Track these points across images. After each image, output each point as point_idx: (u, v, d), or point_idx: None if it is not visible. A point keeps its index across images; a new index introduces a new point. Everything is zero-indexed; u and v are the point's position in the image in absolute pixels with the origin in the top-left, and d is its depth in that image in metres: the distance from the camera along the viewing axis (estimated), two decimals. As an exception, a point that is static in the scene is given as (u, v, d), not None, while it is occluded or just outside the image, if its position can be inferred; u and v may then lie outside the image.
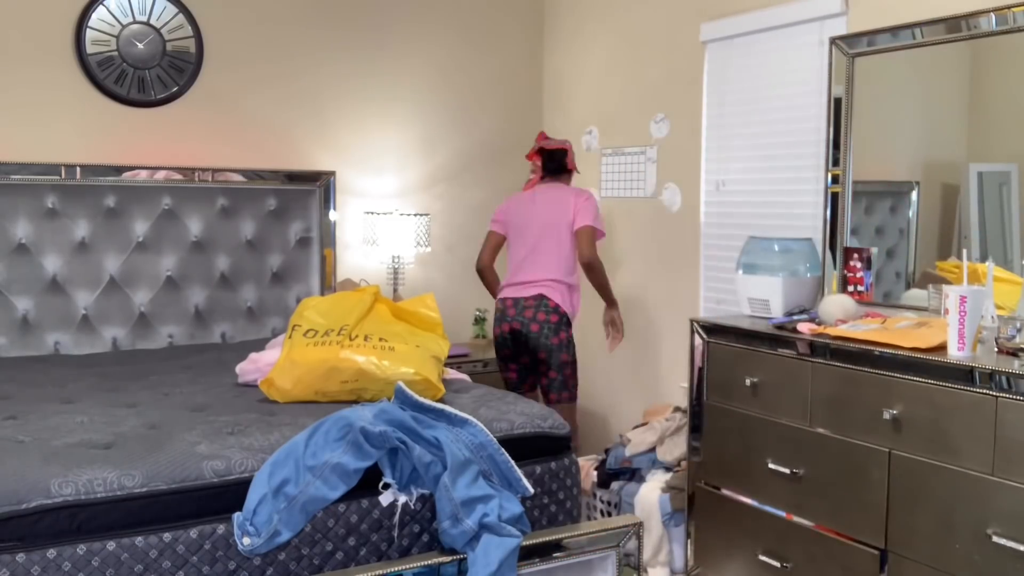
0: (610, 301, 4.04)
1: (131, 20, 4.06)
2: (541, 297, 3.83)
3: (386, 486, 2.44)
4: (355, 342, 3.00)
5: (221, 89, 4.29)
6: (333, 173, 4.49)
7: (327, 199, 4.48)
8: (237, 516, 2.27)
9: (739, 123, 3.84)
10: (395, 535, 2.47)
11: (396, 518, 2.45)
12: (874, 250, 3.23)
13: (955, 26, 2.90)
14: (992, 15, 2.78)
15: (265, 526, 2.25)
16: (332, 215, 4.50)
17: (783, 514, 2.93)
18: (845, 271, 3.28)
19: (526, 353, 3.88)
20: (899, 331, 2.70)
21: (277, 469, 2.33)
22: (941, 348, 2.53)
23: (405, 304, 3.34)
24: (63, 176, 3.91)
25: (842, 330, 2.80)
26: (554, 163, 4.01)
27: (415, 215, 4.46)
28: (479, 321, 4.92)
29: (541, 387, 3.94)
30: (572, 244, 3.87)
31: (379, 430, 2.39)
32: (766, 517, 2.98)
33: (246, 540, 2.25)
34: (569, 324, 3.90)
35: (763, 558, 2.96)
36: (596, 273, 3.90)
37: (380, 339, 3.03)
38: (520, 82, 5.07)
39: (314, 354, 2.97)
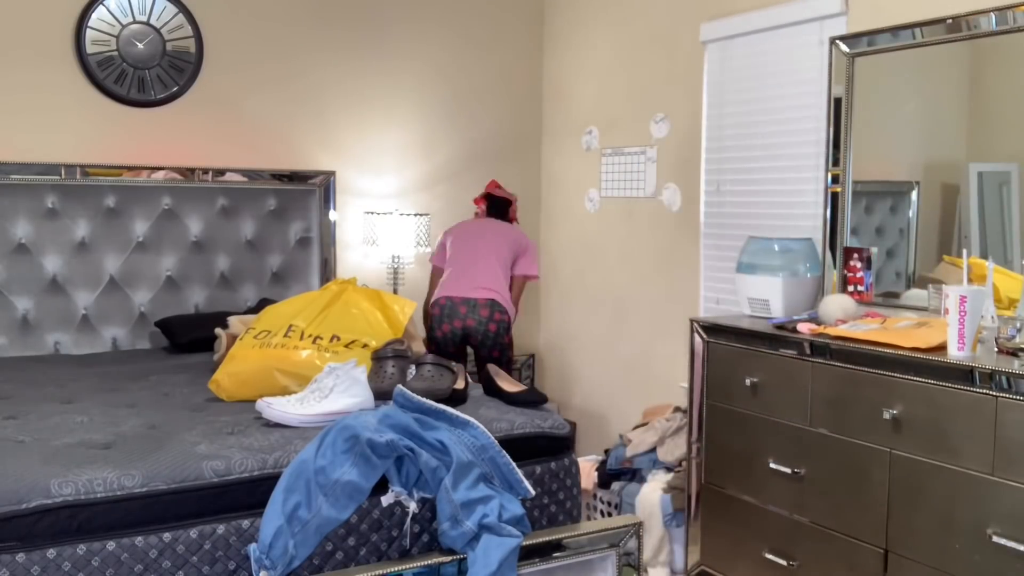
0: None
1: (131, 20, 4.06)
2: (495, 302, 4.06)
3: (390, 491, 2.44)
4: (304, 342, 3.03)
5: (221, 89, 4.29)
6: (333, 173, 4.50)
7: (327, 199, 4.48)
8: (253, 550, 2.25)
9: (739, 123, 3.84)
10: (406, 543, 2.46)
11: (407, 527, 2.45)
12: (874, 250, 3.23)
13: (955, 26, 2.89)
14: (992, 15, 2.78)
15: (281, 558, 2.25)
16: (332, 215, 4.50)
17: (786, 513, 2.93)
18: (845, 271, 3.28)
19: (469, 348, 4.17)
20: (899, 331, 2.70)
21: (290, 495, 2.31)
22: (941, 348, 2.53)
23: (386, 296, 3.36)
24: (63, 176, 3.91)
25: (842, 330, 2.80)
26: (497, 210, 4.40)
27: (415, 215, 4.46)
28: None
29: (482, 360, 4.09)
30: (507, 272, 4.23)
31: (386, 440, 2.37)
32: (772, 516, 2.98)
33: (263, 574, 2.24)
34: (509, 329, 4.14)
35: (769, 556, 2.96)
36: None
37: (333, 338, 3.08)
38: (520, 82, 5.07)
39: (257, 355, 3.00)
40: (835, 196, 3.34)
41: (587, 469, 3.86)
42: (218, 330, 3.54)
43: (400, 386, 2.71)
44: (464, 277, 4.09)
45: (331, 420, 2.59)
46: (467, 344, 4.11)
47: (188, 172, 4.15)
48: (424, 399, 2.65)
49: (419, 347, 3.43)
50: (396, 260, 4.55)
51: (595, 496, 3.86)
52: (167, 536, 2.24)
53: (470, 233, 4.28)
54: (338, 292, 3.32)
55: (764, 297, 3.20)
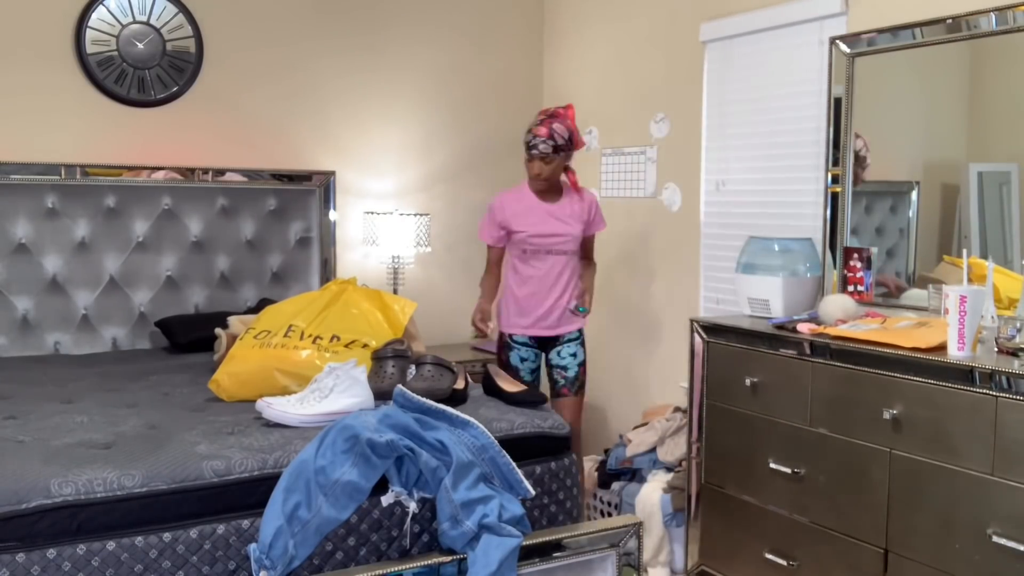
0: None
1: (131, 20, 4.06)
2: None
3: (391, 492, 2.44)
4: (304, 342, 3.03)
5: (221, 89, 4.29)
6: (333, 173, 4.49)
7: (327, 199, 4.48)
8: (253, 550, 2.25)
9: (739, 123, 3.84)
10: (406, 543, 2.46)
11: (407, 527, 2.45)
12: (874, 250, 3.23)
13: (955, 26, 2.90)
14: (992, 15, 2.78)
15: (281, 558, 2.24)
16: (332, 215, 4.50)
17: (786, 513, 2.93)
18: (845, 271, 3.28)
19: None
20: (899, 331, 2.70)
21: (290, 495, 2.31)
22: (941, 348, 2.53)
23: (386, 296, 3.36)
24: (63, 176, 3.91)
25: (842, 330, 2.80)
26: None
27: (415, 215, 4.46)
28: (479, 321, 4.91)
29: None
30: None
31: (386, 440, 2.37)
32: (772, 516, 2.98)
33: (263, 574, 2.24)
34: None
35: (770, 556, 2.96)
36: None
37: (333, 338, 3.08)
38: (520, 82, 5.07)
39: (257, 355, 3.00)
40: (835, 196, 3.35)
41: (587, 469, 3.86)
42: (218, 330, 3.54)
43: (400, 386, 2.71)
44: None
45: (331, 420, 2.59)
46: None
47: (188, 172, 4.15)
48: (424, 399, 2.65)
49: (419, 347, 3.43)
50: (396, 260, 4.55)
51: (595, 496, 3.86)
52: (167, 536, 2.24)
53: None
54: (338, 292, 3.32)
55: (764, 297, 3.20)
